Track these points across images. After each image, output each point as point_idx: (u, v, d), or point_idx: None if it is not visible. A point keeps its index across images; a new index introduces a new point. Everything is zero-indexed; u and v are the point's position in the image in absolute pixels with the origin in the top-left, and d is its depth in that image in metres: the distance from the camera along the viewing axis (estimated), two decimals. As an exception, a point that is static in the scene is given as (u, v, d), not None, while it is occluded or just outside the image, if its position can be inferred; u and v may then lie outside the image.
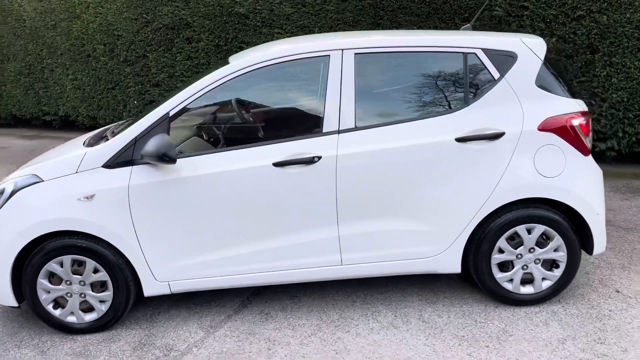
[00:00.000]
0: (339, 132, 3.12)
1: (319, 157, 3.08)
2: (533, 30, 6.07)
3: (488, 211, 3.14)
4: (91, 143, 3.42)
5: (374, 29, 6.90)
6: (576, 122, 3.12)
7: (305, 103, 3.44)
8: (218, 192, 3.09)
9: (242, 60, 3.18)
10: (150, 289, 3.24)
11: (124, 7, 8.75)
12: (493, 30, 6.28)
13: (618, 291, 3.43)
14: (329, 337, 3.13)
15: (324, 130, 3.13)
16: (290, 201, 3.11)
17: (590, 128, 3.24)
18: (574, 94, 3.30)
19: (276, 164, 3.07)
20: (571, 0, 5.83)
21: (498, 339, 3.01)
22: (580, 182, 3.14)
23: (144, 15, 8.63)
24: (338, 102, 3.13)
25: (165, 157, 2.93)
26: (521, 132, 3.10)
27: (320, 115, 3.15)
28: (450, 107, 3.16)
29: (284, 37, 7.52)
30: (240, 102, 3.70)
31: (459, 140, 3.08)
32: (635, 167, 6.18)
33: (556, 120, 3.11)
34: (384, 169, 3.09)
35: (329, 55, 3.17)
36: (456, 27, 6.46)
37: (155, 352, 3.09)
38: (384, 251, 3.22)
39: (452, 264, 3.25)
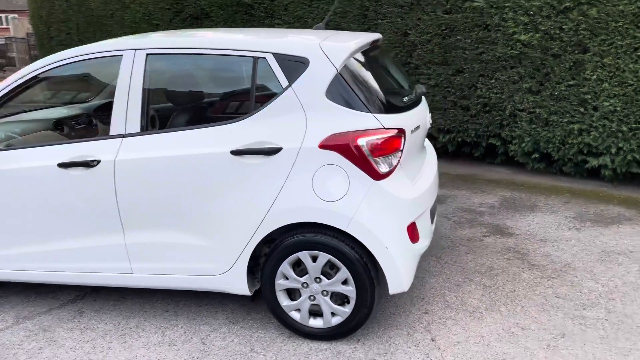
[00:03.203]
0: (124, 135, 3.02)
1: (98, 161, 3.00)
2: (515, 25, 5.32)
3: (265, 233, 2.85)
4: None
5: (362, 19, 6.50)
6: (363, 140, 2.69)
7: (104, 104, 3.37)
8: (13, 189, 3.15)
9: (43, 60, 3.19)
10: (-34, 274, 3.41)
11: (159, -3, 9.17)
12: (475, 24, 5.61)
13: (433, 340, 2.93)
14: (104, 345, 3.08)
15: (111, 132, 3.04)
16: (74, 204, 3.08)
17: (395, 147, 2.77)
18: (390, 108, 2.85)
19: (60, 165, 3.05)
20: (557, -10, 5.01)
21: (250, 374, 2.75)
22: (366, 209, 2.72)
23: (175, 6, 8.96)
24: (125, 105, 3.01)
25: None
26: (300, 149, 2.75)
27: (110, 117, 3.06)
28: (234, 116, 2.90)
29: (283, 28, 7.39)
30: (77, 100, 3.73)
31: (234, 153, 2.82)
32: (633, 191, 5.19)
33: (340, 138, 2.72)
34: (161, 178, 2.93)
35: (121, 55, 3.06)
36: (437, 18, 5.87)
37: (-47, 335, 3.26)
38: (170, 264, 3.07)
39: (239, 285, 3.01)
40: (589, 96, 5.06)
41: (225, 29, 3.34)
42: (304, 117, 2.78)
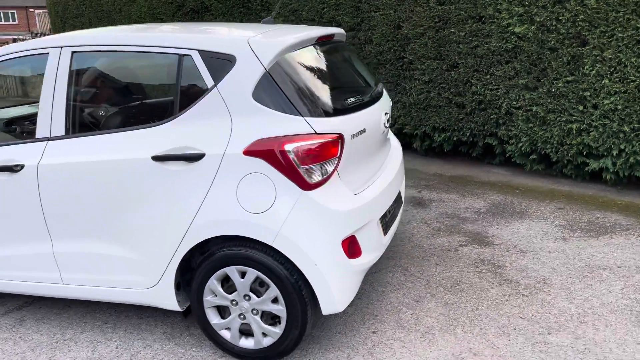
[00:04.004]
0: (48, 139, 2.84)
1: (22, 166, 2.84)
2: (510, 16, 4.95)
3: (189, 246, 2.63)
4: None
5: (355, 11, 6.21)
6: (290, 147, 2.44)
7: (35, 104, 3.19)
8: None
9: (-27, 59, 3.03)
10: None
11: (161, -9, 9.05)
12: (469, 16, 5.25)
13: (374, 364, 2.68)
14: (32, 358, 2.92)
15: (37, 135, 2.88)
16: (3, 211, 2.93)
17: (331, 154, 2.51)
18: (327, 111, 2.59)
19: (-14, 170, 2.90)
20: (553, -22, 4.62)
21: (168, 398, 2.54)
22: (294, 223, 2.47)
23: (177, 0, 8.82)
24: (51, 106, 2.84)
25: None
26: (223, 155, 2.52)
27: (36, 120, 2.89)
28: (159, 118, 2.68)
29: (278, 21, 7.16)
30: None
31: (155, 158, 2.61)
32: (638, 196, 4.77)
33: (266, 143, 2.47)
34: (83, 184, 2.75)
35: (48, 53, 2.88)
36: (430, 10, 5.53)
37: None
38: (99, 275, 2.89)
39: (168, 300, 2.80)
40: (588, 93, 4.67)
41: (157, 24, 3.12)
42: (229, 120, 2.55)
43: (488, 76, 5.29)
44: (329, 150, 2.51)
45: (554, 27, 4.72)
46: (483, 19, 5.18)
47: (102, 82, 2.86)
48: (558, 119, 4.91)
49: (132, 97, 2.79)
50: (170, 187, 2.61)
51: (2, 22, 49.45)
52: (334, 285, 2.51)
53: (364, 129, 2.80)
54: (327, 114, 2.59)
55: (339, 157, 2.58)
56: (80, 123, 2.83)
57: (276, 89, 2.52)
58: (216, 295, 2.71)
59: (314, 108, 2.56)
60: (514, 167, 5.77)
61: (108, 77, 2.86)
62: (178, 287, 2.84)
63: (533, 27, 4.82)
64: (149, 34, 2.73)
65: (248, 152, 2.48)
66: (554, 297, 3.18)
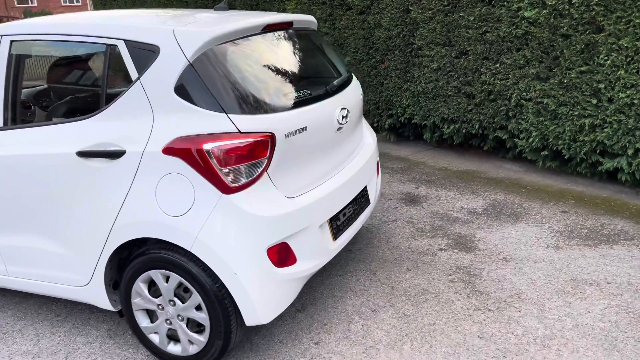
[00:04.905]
0: (-12, 130, 2.79)
1: (-37, 157, 2.80)
2: (520, 0, 4.55)
3: (114, 246, 2.52)
4: None
5: (364, -3, 5.92)
6: (209, 146, 2.27)
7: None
8: None
9: None
10: None
11: (183, -26, 9.00)
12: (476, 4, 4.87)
13: (303, 380, 2.49)
14: (-25, 350, 2.92)
15: (-21, 127, 2.83)
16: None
17: (259, 155, 2.32)
18: (258, 108, 2.39)
19: None
20: (567, -43, 4.18)
21: (86, 403, 2.46)
22: (212, 228, 2.30)
23: (199, -18, 8.75)
24: (-9, 97, 2.78)
25: None
26: (143, 153, 2.38)
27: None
28: (88, 112, 2.56)
29: (291, 7, 6.94)
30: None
31: (79, 154, 2.50)
32: (654, 199, 4.32)
33: (184, 142, 2.31)
34: (17, 178, 2.69)
35: (-11, 43, 2.81)
36: (438, -6, 5.17)
37: None
38: (39, 270, 2.84)
39: (101, 300, 2.71)
40: (603, 85, 4.23)
41: (103, 11, 2.98)
42: (151, 115, 2.40)
43: (497, 64, 4.90)
44: (255, 150, 2.32)
45: (566, 12, 4.29)
46: (493, 2, 4.78)
47: (38, 73, 2.77)
48: (570, 112, 4.49)
49: (66, 88, 2.68)
50: (94, 185, 2.50)
51: (67, 4, 51.23)
52: (256, 296, 2.34)
53: (305, 126, 2.58)
54: (257, 111, 2.39)
55: (269, 158, 2.38)
56: (18, 114, 2.75)
57: (200, 83, 2.34)
58: (143, 298, 2.59)
59: (243, 104, 2.37)
60: (527, 162, 5.37)
61: (44, 68, 2.76)
62: (116, 286, 2.75)
63: (545, 11, 4.40)
64: (81, 22, 2.61)
65: (167, 151, 2.33)
66: (523, 314, 2.88)
